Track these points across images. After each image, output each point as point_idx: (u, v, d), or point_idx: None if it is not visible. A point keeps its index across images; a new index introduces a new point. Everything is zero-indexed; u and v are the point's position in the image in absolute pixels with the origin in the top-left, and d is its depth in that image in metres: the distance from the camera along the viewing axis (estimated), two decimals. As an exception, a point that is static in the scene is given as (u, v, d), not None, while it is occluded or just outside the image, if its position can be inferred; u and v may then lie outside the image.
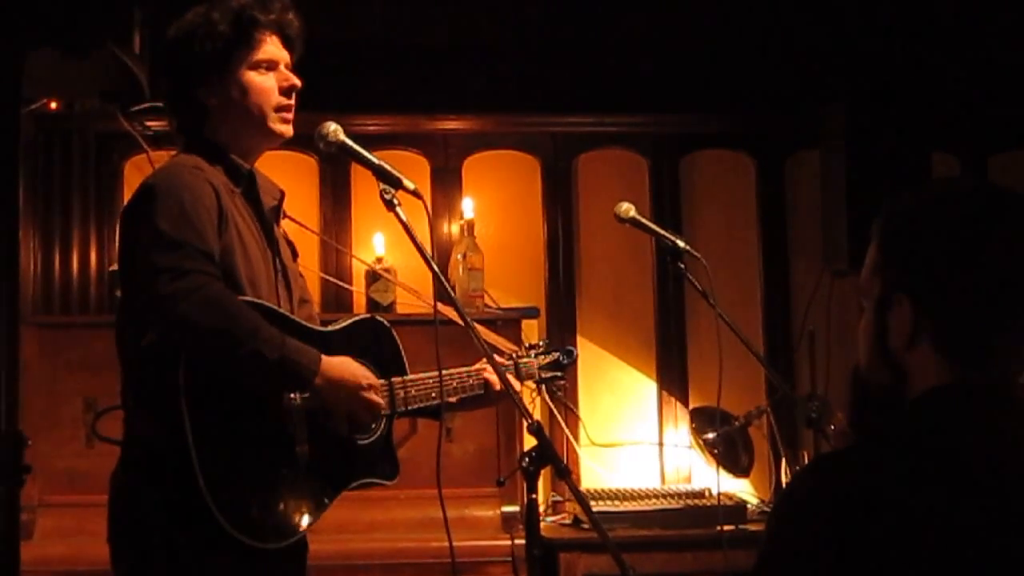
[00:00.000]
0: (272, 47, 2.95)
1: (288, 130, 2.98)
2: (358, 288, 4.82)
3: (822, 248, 4.94)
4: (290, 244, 3.12)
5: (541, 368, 3.37)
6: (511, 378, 3.02)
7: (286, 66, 2.98)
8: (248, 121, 2.93)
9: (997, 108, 5.14)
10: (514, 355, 3.34)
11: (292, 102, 2.97)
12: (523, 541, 2.71)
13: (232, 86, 2.91)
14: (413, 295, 4.50)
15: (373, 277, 4.72)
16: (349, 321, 3.05)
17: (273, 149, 3.08)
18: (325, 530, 3.64)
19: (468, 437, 4.35)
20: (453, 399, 3.08)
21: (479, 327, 2.76)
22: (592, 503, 4.30)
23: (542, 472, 2.65)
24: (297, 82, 2.97)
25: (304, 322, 2.92)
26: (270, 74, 2.94)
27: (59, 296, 4.84)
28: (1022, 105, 5.11)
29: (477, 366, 3.15)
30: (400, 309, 4.72)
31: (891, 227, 1.75)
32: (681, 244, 3.65)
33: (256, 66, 2.92)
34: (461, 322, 2.71)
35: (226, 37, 2.89)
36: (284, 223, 3.18)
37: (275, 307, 2.84)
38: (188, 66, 2.90)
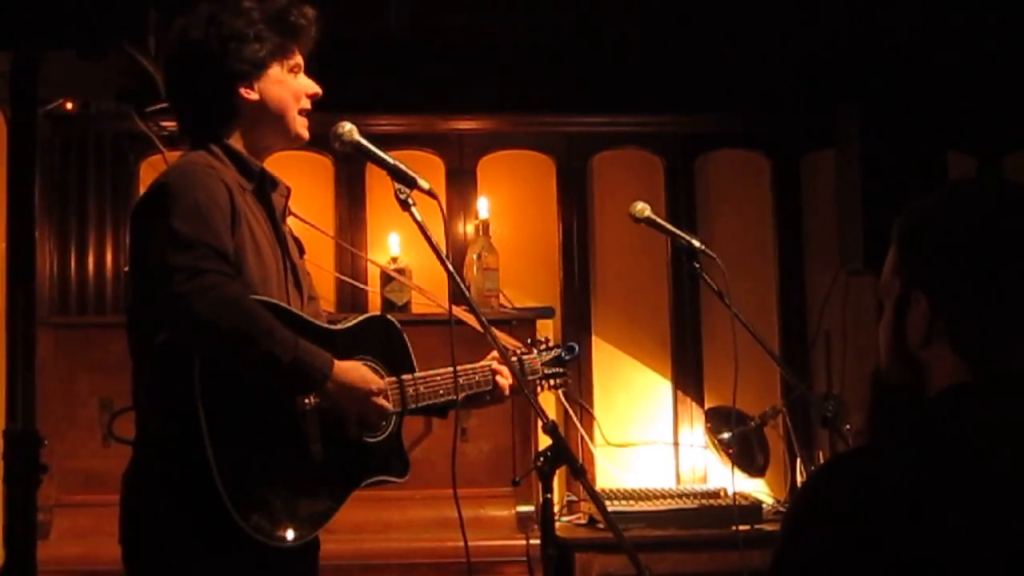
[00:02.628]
0: (298, 51, 3.00)
1: (307, 134, 3.03)
2: (373, 288, 4.82)
3: (837, 248, 4.94)
4: (297, 241, 3.13)
5: (544, 364, 3.38)
6: (515, 378, 3.03)
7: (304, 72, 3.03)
8: (278, 122, 2.97)
9: (1013, 107, 5.12)
10: (517, 352, 3.34)
11: (311, 108, 3.02)
12: (538, 541, 2.71)
13: (271, 86, 2.94)
14: (424, 296, 4.51)
15: (388, 277, 4.73)
16: (359, 319, 3.06)
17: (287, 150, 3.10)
18: (341, 530, 3.64)
19: (483, 437, 4.35)
20: (462, 395, 3.09)
21: (477, 324, 2.77)
22: (607, 503, 4.29)
23: (557, 472, 2.65)
24: (320, 90, 3.02)
25: (315, 320, 2.93)
26: (298, 78, 2.99)
27: (75, 297, 4.85)
28: (1038, 104, 5.10)
29: (484, 362, 3.16)
30: (415, 309, 4.72)
31: (909, 227, 1.76)
32: (696, 244, 3.65)
33: (292, 69, 2.98)
34: (475, 323, 2.72)
35: (267, 39, 2.92)
36: (295, 221, 3.19)
37: (286, 306, 2.85)
38: (231, 66, 2.91)
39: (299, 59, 3.00)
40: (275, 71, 2.94)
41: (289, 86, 2.96)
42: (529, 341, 3.45)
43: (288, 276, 2.96)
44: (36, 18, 2.29)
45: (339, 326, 2.99)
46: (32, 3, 2.27)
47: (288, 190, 3.08)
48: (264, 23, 2.92)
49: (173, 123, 4.47)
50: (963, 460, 1.62)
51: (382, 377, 2.97)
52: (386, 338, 3.07)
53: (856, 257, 4.71)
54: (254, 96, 2.93)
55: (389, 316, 3.15)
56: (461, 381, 3.06)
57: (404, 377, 3.00)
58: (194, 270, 2.63)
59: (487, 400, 3.20)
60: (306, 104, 3.00)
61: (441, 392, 3.05)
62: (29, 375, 2.34)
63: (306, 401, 2.77)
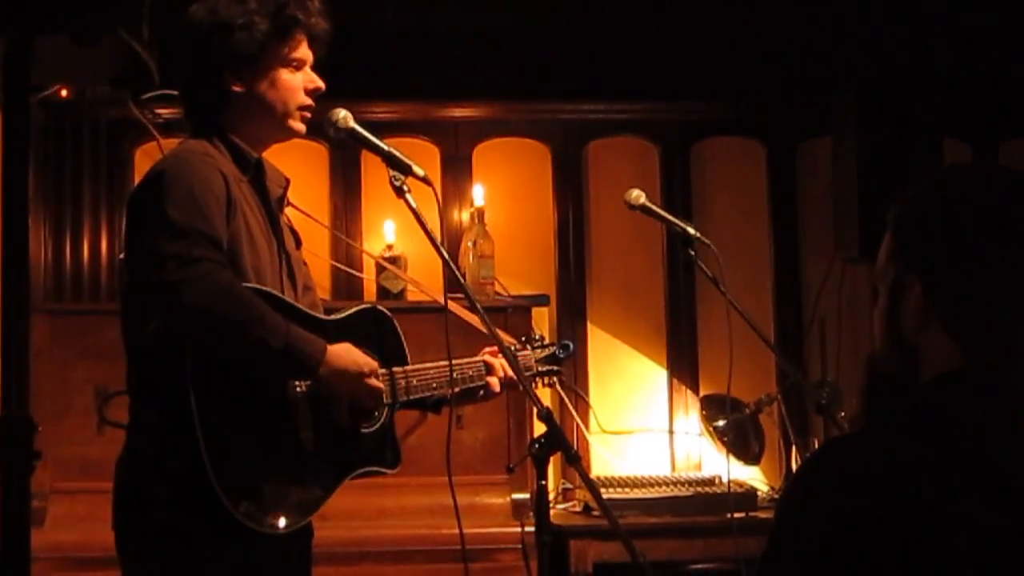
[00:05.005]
0: (304, 47, 2.96)
1: (303, 129, 3.00)
2: (368, 276, 4.82)
3: (833, 235, 4.93)
4: (294, 232, 3.12)
5: (538, 361, 3.37)
6: (511, 369, 3.02)
7: (310, 67, 2.99)
8: (270, 115, 2.94)
9: (1008, 95, 5.12)
10: (512, 348, 3.34)
11: (313, 103, 2.99)
12: (533, 528, 2.71)
13: (263, 79, 2.91)
14: (416, 287, 4.51)
15: (382, 266, 4.72)
16: (352, 310, 3.05)
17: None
18: (336, 517, 3.65)
19: (478, 424, 4.35)
20: (456, 389, 3.08)
21: (471, 317, 2.77)
22: (602, 490, 4.30)
23: (552, 459, 2.65)
24: (323, 85, 2.99)
25: (308, 310, 2.93)
26: (298, 73, 2.96)
27: (70, 284, 4.85)
28: (1034, 91, 5.10)
29: (476, 357, 3.16)
30: (411, 297, 4.72)
31: (904, 212, 1.76)
32: (691, 231, 3.64)
33: (288, 63, 2.94)
34: (469, 314, 2.71)
35: (265, 31, 2.89)
36: (291, 211, 3.18)
37: (280, 295, 2.85)
38: (220, 54, 2.89)
39: (300, 53, 2.95)
40: (267, 64, 2.91)
41: (281, 80, 2.92)
42: (523, 338, 3.44)
43: (282, 266, 2.96)
44: (29, 2, 2.28)
45: (332, 316, 2.99)
46: (25, -12, 2.27)
47: (287, 181, 3.08)
48: (259, 14, 2.89)
49: (168, 110, 4.52)
50: (957, 446, 1.62)
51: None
52: (379, 329, 3.07)
53: (852, 244, 4.71)
54: (240, 87, 2.91)
55: (382, 307, 3.15)
56: (454, 374, 3.06)
57: (395, 369, 3.00)
58: (187, 258, 2.63)
59: (479, 396, 3.20)
60: (304, 100, 2.96)
61: (434, 385, 3.05)
62: (23, 361, 2.34)
63: (298, 388, 2.77)
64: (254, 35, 2.88)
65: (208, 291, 2.63)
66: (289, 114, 2.94)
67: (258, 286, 2.79)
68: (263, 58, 2.90)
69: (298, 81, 2.95)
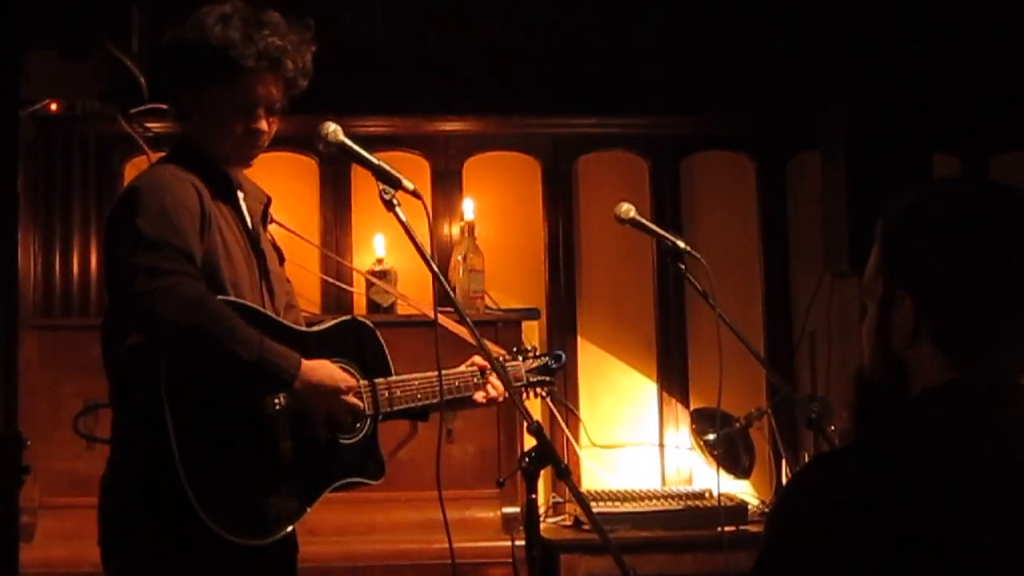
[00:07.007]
0: (253, 88, 2.91)
1: (240, 165, 2.99)
2: (359, 290, 4.82)
3: (822, 249, 4.94)
4: (277, 249, 3.12)
5: (529, 372, 3.37)
6: (500, 381, 3.02)
7: (268, 106, 2.94)
8: (212, 143, 2.93)
9: (998, 109, 5.13)
10: (502, 359, 3.34)
11: (257, 143, 2.95)
12: (524, 542, 2.71)
13: (205, 106, 2.90)
14: (406, 302, 4.50)
15: (371, 280, 4.72)
16: (333, 322, 3.05)
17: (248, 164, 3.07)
18: (326, 532, 3.65)
19: (468, 438, 4.35)
20: (440, 400, 3.07)
21: (461, 331, 2.76)
22: (592, 504, 4.29)
23: (542, 473, 2.65)
24: (263, 127, 2.93)
25: (287, 322, 2.92)
26: (241, 117, 2.91)
27: (59, 299, 4.84)
28: (1023, 106, 5.11)
29: (463, 368, 3.15)
30: (401, 311, 4.72)
31: (892, 226, 1.76)
32: (681, 245, 3.64)
33: (231, 102, 2.90)
34: (459, 328, 2.72)
35: (207, 69, 2.87)
36: (278, 229, 3.18)
37: (256, 307, 2.84)
38: (173, 70, 2.91)
39: (247, 97, 2.90)
40: (211, 98, 2.89)
41: (221, 120, 2.90)
42: (515, 349, 3.45)
43: (262, 282, 2.96)
44: (18, 17, 2.28)
45: (312, 328, 2.99)
46: (14, 2, 2.27)
47: (268, 198, 3.08)
48: (208, 50, 2.86)
49: (158, 124, 4.52)
50: (946, 459, 1.62)
51: (355, 379, 2.97)
52: (360, 341, 3.06)
53: (841, 259, 4.71)
54: (192, 106, 2.91)
55: (362, 319, 3.14)
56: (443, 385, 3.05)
57: (378, 381, 3.00)
58: (157, 270, 2.64)
59: (470, 404, 3.20)
60: (242, 141, 2.92)
61: (419, 396, 3.05)
62: (12, 376, 2.34)
63: (275, 401, 2.76)
64: (197, 68, 2.87)
65: (178, 302, 2.64)
66: (223, 153, 2.93)
67: (234, 299, 2.79)
68: (208, 89, 2.89)
69: (238, 122, 2.91)
